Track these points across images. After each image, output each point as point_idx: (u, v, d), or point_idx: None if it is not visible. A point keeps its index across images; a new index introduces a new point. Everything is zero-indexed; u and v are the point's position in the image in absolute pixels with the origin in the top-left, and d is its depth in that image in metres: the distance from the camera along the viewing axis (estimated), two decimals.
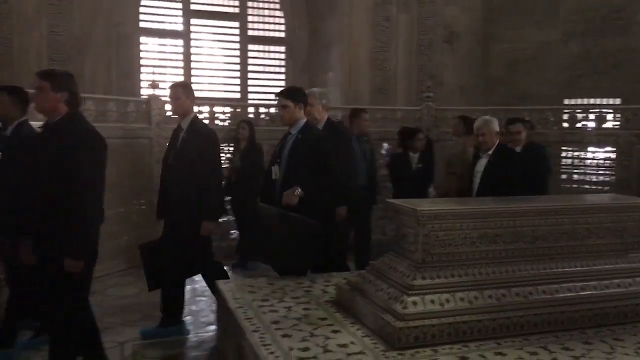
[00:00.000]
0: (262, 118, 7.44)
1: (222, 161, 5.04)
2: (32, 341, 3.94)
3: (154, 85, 5.76)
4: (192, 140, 4.01)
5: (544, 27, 8.81)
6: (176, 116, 4.24)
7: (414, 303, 2.38)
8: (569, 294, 2.59)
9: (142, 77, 8.42)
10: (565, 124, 7.66)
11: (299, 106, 3.95)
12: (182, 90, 4.05)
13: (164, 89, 6.04)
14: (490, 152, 4.52)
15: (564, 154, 7.81)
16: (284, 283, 3.30)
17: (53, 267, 2.93)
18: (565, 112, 7.76)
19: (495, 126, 4.54)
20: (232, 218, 6.68)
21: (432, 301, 2.40)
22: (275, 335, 2.47)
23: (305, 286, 3.24)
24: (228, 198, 5.97)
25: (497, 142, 4.57)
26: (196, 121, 4.18)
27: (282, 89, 4.21)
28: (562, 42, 8.79)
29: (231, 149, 6.65)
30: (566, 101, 8.75)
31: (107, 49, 7.84)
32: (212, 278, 3.83)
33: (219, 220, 4.40)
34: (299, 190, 3.62)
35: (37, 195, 2.97)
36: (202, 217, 3.99)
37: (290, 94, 3.98)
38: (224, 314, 3.10)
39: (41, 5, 7.25)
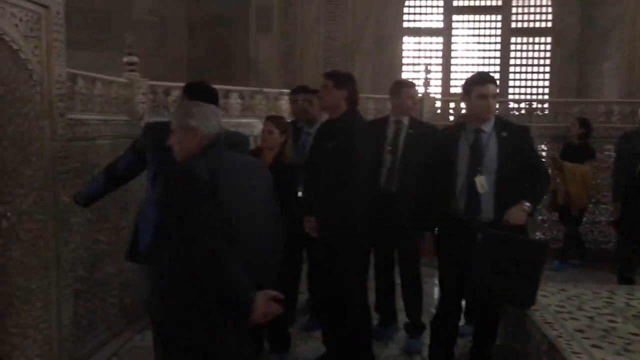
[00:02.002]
0: (523, 114, 7.09)
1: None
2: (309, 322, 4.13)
3: (426, 83, 5.93)
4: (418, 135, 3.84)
5: None
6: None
7: None
8: None
9: (402, 75, 8.81)
10: None
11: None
12: (416, 91, 4.03)
13: (435, 86, 6.21)
14: None
15: None
16: (579, 291, 3.14)
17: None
18: None
19: None
20: None
21: None
22: (583, 344, 2.38)
23: (603, 297, 3.05)
24: None
25: None
26: (414, 118, 4.08)
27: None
28: None
29: None
30: None
31: (373, 50, 8.36)
32: None
33: None
34: (527, 205, 2.88)
35: (318, 182, 3.19)
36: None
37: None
38: (510, 314, 3.09)
39: (320, 14, 8.06)
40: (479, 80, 3.00)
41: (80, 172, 3.43)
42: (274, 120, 3.47)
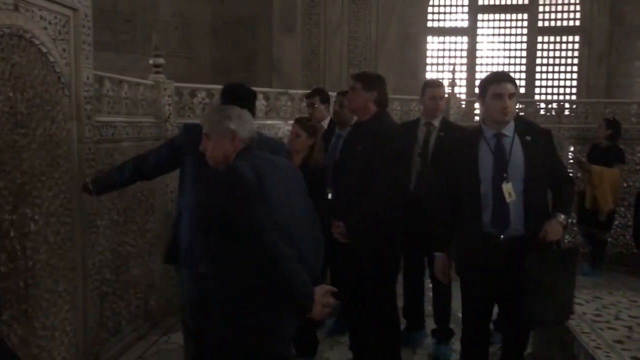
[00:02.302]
0: (552, 115, 6.94)
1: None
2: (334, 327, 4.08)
3: (452, 83, 5.84)
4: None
5: None
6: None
7: None
8: None
9: (427, 76, 8.72)
10: None
11: None
12: (444, 90, 3.89)
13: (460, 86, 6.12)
14: None
15: None
16: (615, 299, 3.05)
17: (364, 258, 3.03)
18: None
19: None
20: None
21: None
22: (623, 356, 2.29)
23: None
24: None
25: None
26: (446, 120, 3.99)
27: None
28: None
29: None
30: None
31: (397, 49, 8.29)
32: None
33: None
34: (562, 218, 2.62)
35: (347, 185, 3.12)
36: None
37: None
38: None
39: (344, 14, 8.01)
40: (494, 79, 2.72)
41: None
42: (301, 122, 3.42)
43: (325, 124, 4.27)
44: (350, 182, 3.03)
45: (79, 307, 3.00)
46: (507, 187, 2.64)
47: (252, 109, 2.84)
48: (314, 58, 8.10)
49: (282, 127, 4.99)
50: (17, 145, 2.48)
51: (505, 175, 2.65)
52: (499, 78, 2.71)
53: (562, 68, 8.81)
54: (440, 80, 3.97)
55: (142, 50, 7.51)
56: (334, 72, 8.08)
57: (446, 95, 3.79)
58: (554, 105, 6.37)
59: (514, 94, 2.67)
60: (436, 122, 3.76)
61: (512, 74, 2.93)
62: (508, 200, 2.64)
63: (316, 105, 4.32)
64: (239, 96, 2.83)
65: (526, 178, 2.66)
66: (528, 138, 2.71)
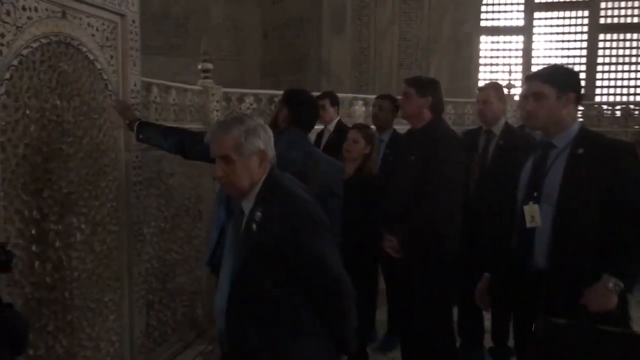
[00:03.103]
0: (617, 117, 6.56)
1: None
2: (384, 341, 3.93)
3: (509, 85, 5.59)
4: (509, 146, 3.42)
5: None
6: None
7: None
8: None
9: (480, 77, 8.46)
10: None
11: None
12: (494, 93, 3.59)
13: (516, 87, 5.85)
14: None
15: None
16: None
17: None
18: None
19: None
20: None
21: None
22: None
23: None
24: None
25: None
26: (510, 127, 3.67)
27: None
28: None
29: None
30: None
31: (449, 50, 8.05)
32: None
33: None
34: (613, 282, 1.99)
35: (399, 197, 2.97)
36: None
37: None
38: None
39: (395, 14, 7.84)
40: (525, 78, 2.32)
41: (154, 182, 3.40)
42: (360, 128, 3.27)
43: (331, 126, 4.28)
44: (402, 194, 2.87)
45: (125, 316, 2.96)
46: (529, 209, 2.20)
47: (316, 116, 2.76)
48: (363, 59, 7.95)
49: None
50: (63, 154, 2.46)
51: (535, 194, 2.21)
52: (527, 77, 2.32)
53: (626, 67, 8.37)
54: (489, 83, 3.77)
55: (194, 55, 7.55)
56: (384, 74, 7.90)
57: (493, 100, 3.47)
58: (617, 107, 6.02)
59: (542, 94, 2.18)
60: (497, 130, 3.52)
61: None
62: (529, 224, 2.20)
63: (326, 108, 4.25)
64: (301, 101, 2.66)
65: (559, 201, 2.14)
66: (581, 151, 2.15)
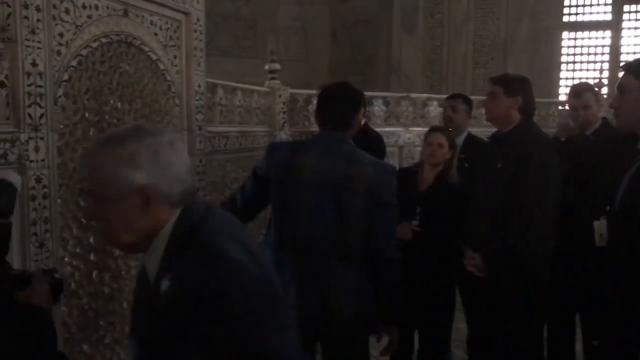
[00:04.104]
0: None
1: None
2: None
3: (599, 84, 5.13)
4: None
5: None
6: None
7: None
8: None
9: (561, 76, 7.97)
10: None
11: None
12: (593, 97, 3.12)
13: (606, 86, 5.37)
14: None
15: None
16: None
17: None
18: None
19: None
20: None
21: None
22: None
23: None
24: None
25: None
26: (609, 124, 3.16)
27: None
28: None
29: None
30: None
31: (529, 47, 7.62)
32: None
33: None
34: None
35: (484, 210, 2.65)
36: None
37: None
38: None
39: (469, 12, 7.49)
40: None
41: (218, 187, 3.27)
42: (443, 131, 2.98)
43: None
44: (488, 206, 2.57)
45: None
46: (598, 225, 2.03)
47: (350, 113, 2.21)
48: (436, 59, 7.66)
49: (402, 135, 4.63)
50: None
51: (608, 208, 2.01)
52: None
53: None
54: (582, 84, 3.36)
55: (263, 56, 7.49)
56: (457, 73, 7.57)
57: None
58: None
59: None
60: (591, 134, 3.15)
61: None
62: (598, 243, 2.03)
63: (457, 109, 3.90)
64: (348, 97, 2.21)
65: (619, 215, 1.97)
66: None
